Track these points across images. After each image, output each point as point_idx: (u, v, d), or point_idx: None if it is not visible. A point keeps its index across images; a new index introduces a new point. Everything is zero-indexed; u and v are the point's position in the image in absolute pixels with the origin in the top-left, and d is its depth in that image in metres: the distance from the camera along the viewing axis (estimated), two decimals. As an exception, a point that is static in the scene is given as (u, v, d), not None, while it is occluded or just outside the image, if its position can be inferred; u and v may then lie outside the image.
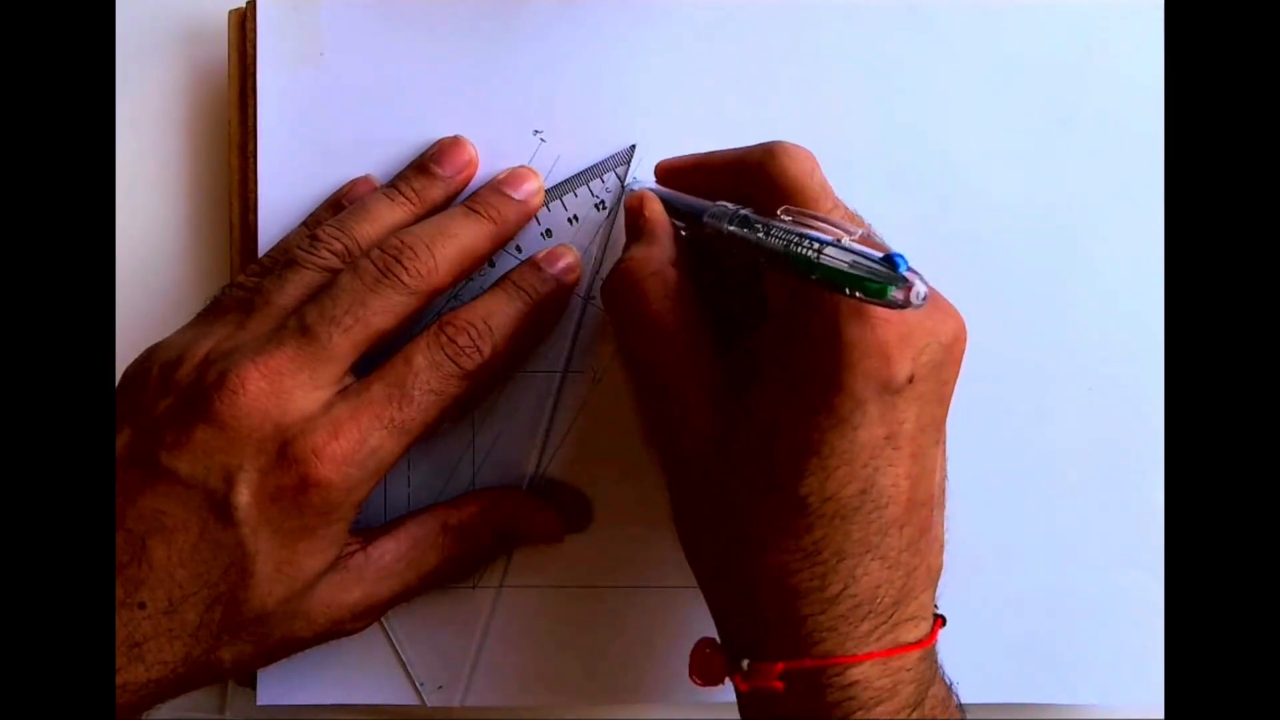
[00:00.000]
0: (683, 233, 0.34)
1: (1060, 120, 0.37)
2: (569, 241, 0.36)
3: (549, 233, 0.36)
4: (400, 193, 0.35)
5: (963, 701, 0.32)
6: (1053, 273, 0.37)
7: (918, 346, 0.28)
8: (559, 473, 0.37)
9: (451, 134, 0.36)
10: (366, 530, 0.34)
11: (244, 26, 0.37)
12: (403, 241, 0.32)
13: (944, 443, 0.31)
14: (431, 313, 0.34)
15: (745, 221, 0.30)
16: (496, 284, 0.35)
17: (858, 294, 0.25)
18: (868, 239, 0.27)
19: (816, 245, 0.27)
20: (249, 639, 0.31)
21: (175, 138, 0.39)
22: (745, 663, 0.30)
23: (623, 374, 0.37)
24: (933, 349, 0.28)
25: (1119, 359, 0.37)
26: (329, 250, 0.33)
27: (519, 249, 0.36)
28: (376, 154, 0.37)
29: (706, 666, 0.31)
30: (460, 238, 0.33)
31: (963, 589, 0.34)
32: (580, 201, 0.37)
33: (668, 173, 0.35)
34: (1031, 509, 0.37)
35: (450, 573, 0.35)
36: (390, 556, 0.34)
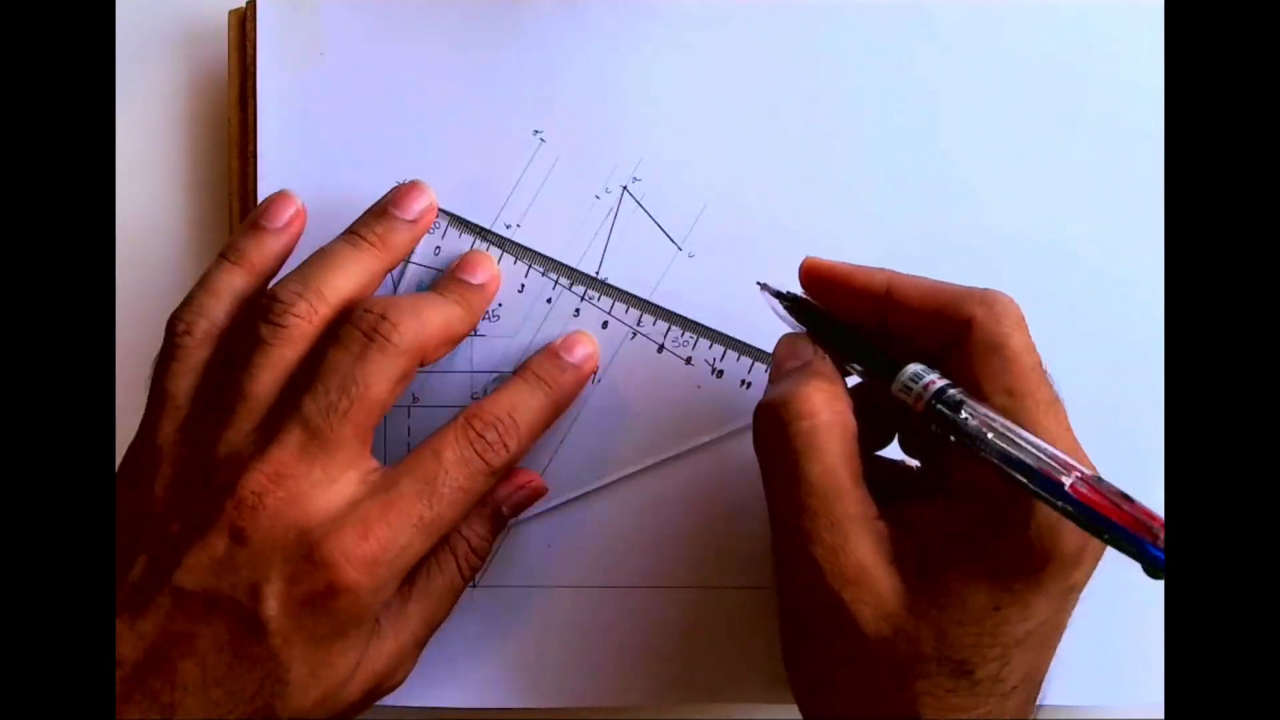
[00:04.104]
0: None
1: (1061, 120, 0.37)
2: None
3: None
4: (362, 238, 0.33)
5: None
6: (1052, 272, 0.37)
7: (1096, 554, 0.29)
8: (562, 473, 0.37)
9: (410, 178, 0.35)
10: None
11: (244, 26, 0.37)
12: (386, 302, 0.31)
13: None
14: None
15: (956, 406, 0.27)
16: (516, 374, 0.34)
17: (1105, 536, 0.26)
18: (1098, 483, 0.26)
19: (1075, 477, 0.25)
20: None
21: (175, 138, 0.39)
22: None
23: (770, 506, 0.31)
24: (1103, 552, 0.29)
25: (1119, 359, 0.37)
26: (293, 315, 0.31)
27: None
28: (376, 154, 0.36)
29: None
30: (436, 318, 0.32)
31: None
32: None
33: (817, 275, 0.31)
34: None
35: (458, 581, 0.34)
36: (398, 601, 0.32)
